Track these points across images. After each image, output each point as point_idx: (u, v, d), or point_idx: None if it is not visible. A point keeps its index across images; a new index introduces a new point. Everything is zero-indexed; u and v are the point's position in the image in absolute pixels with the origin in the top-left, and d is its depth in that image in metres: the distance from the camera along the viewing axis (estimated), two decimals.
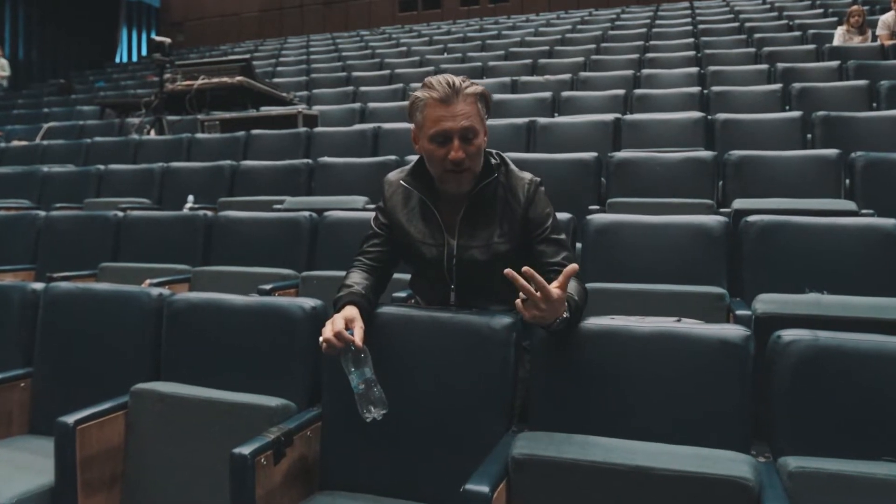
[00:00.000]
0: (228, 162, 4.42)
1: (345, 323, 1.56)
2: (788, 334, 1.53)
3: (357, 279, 1.74)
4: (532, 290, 1.42)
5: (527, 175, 1.78)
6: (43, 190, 4.87)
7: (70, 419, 1.74)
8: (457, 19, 13.25)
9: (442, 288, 1.78)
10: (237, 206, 3.74)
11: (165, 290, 2.09)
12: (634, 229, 2.55)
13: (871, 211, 2.75)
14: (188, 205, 4.02)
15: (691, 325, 1.63)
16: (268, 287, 2.59)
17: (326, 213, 2.97)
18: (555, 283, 1.46)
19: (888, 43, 6.24)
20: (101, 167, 4.85)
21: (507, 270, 1.41)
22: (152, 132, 6.02)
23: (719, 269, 2.39)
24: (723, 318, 2.20)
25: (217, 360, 1.93)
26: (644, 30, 8.77)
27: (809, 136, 3.94)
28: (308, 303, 1.88)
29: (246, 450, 1.53)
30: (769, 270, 2.33)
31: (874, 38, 6.58)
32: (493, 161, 1.75)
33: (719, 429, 1.51)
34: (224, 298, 1.98)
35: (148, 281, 2.76)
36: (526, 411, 1.71)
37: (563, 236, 1.75)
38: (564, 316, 1.52)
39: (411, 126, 1.74)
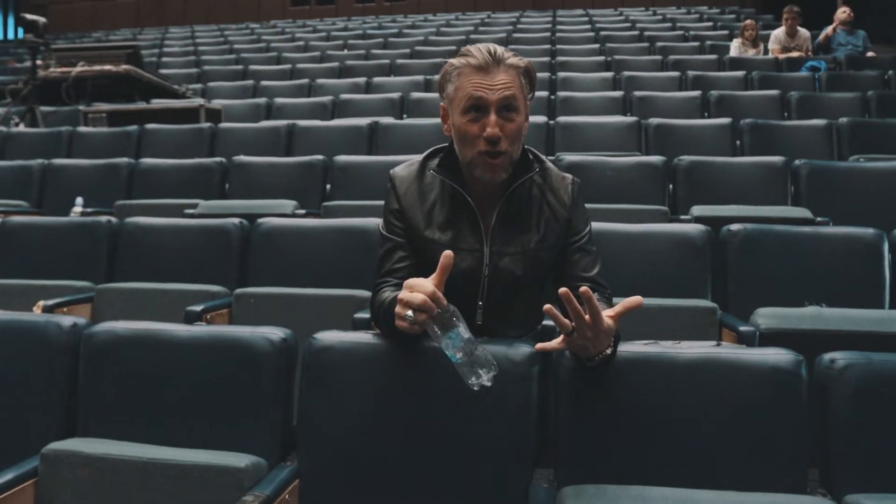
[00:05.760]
0: (125, 159, 3.87)
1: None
2: (841, 357, 1.40)
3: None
4: (584, 314, 1.20)
5: (567, 175, 1.55)
6: None
7: None
8: (352, 16, 12.83)
9: (466, 305, 1.43)
10: (139, 210, 3.25)
11: (81, 320, 1.66)
12: (609, 238, 2.38)
13: (826, 219, 2.75)
14: (76, 209, 3.47)
15: (735, 350, 1.45)
16: (197, 308, 2.20)
17: (261, 221, 2.58)
18: (609, 312, 1.25)
19: (781, 56, 6.60)
20: None
21: (563, 290, 1.18)
22: (21, 125, 5.25)
23: (703, 282, 2.27)
24: (715, 333, 2.08)
25: (157, 408, 1.54)
26: (547, 34, 8.82)
27: (738, 142, 3.99)
28: (275, 333, 1.53)
29: None
30: (754, 282, 2.24)
31: (766, 51, 6.94)
32: (530, 156, 1.50)
33: (776, 467, 1.35)
34: (163, 329, 1.59)
35: (41, 303, 2.29)
36: (545, 453, 1.48)
37: (595, 248, 1.53)
38: (607, 352, 1.31)
39: (440, 103, 1.48)
